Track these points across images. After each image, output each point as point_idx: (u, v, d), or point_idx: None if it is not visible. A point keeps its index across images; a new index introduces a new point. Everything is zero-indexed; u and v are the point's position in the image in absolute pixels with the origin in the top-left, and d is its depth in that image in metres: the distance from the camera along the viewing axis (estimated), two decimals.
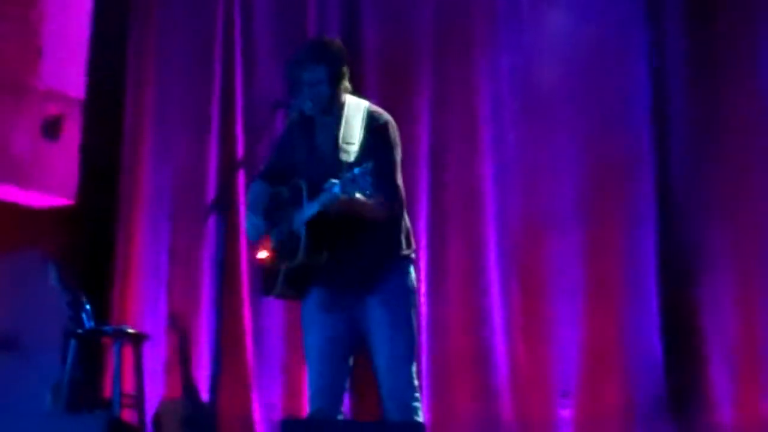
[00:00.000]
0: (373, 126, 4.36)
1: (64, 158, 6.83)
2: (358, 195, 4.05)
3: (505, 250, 6.21)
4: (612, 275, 6.00)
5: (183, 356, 6.32)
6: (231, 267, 6.53)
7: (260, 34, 6.94)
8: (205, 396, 6.18)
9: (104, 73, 7.05)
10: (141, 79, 7.16)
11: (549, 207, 6.16)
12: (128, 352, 6.24)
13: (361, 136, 4.32)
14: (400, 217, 4.39)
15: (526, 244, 6.18)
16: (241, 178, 6.54)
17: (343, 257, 4.28)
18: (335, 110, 4.38)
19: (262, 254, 4.41)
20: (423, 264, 6.15)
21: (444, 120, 6.45)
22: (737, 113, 5.91)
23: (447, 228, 6.34)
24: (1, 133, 6.62)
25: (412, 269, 4.40)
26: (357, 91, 4.55)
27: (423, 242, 6.18)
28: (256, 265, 4.86)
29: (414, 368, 4.30)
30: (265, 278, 4.48)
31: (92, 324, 6.14)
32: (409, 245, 4.40)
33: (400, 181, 4.37)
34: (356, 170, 4.04)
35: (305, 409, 4.78)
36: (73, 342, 6.08)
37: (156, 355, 6.60)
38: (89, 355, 6.31)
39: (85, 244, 6.96)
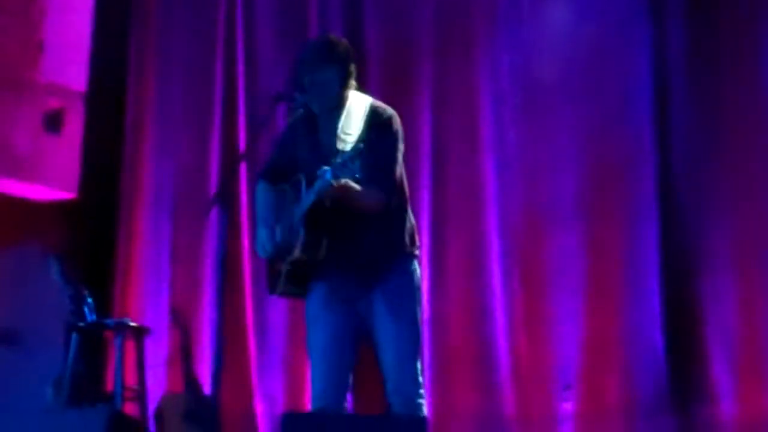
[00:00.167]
0: (377, 121, 4.37)
1: (66, 152, 6.83)
2: (348, 180, 4.07)
3: (506, 247, 6.23)
4: (614, 271, 6.02)
5: (185, 350, 6.34)
6: (233, 261, 6.53)
7: (262, 29, 6.95)
8: (207, 390, 6.20)
9: (106, 67, 7.05)
10: (143, 74, 7.16)
11: (550, 204, 6.18)
12: (130, 345, 6.26)
13: (361, 128, 4.33)
14: (404, 212, 4.40)
15: (528, 242, 6.19)
16: (243, 173, 6.56)
17: (342, 251, 4.28)
18: (340, 107, 4.39)
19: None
20: (425, 260, 6.16)
21: (445, 118, 6.46)
22: (739, 110, 5.92)
23: (448, 225, 6.35)
24: (3, 127, 6.61)
25: (417, 266, 4.41)
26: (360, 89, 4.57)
27: (425, 239, 6.19)
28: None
29: (419, 365, 4.32)
30: (269, 276, 4.50)
31: (94, 318, 6.15)
32: (413, 242, 4.41)
33: (401, 175, 4.38)
34: (346, 154, 4.06)
35: (307, 403, 4.80)
36: (74, 336, 6.08)
37: (158, 349, 6.61)
38: (91, 349, 6.32)
39: (87, 237, 6.96)
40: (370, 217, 4.28)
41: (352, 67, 4.41)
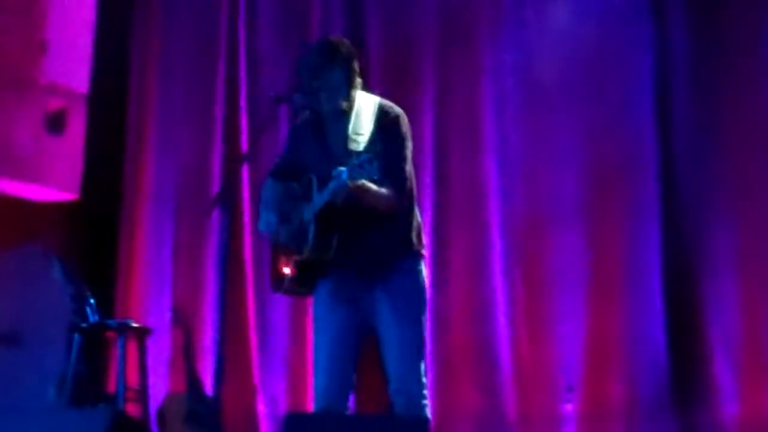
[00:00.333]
0: (385, 120, 4.37)
1: (68, 152, 6.83)
2: (365, 181, 4.08)
3: (508, 246, 6.24)
4: (616, 271, 6.02)
5: (187, 350, 6.33)
6: (235, 261, 6.53)
7: (264, 29, 6.95)
8: (209, 390, 6.19)
9: (108, 68, 7.05)
10: (145, 74, 7.17)
11: (552, 204, 6.18)
12: (132, 346, 6.26)
13: (372, 128, 4.33)
14: (411, 211, 4.40)
15: (530, 240, 6.20)
16: (245, 172, 6.56)
17: (350, 251, 4.28)
18: (347, 107, 4.39)
19: (286, 270, 4.39)
20: (427, 259, 6.15)
21: (447, 117, 6.46)
22: (741, 110, 5.92)
23: (451, 224, 6.36)
24: (5, 128, 6.61)
25: (422, 266, 4.41)
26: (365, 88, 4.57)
27: (427, 237, 6.18)
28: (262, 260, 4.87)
29: (423, 366, 4.32)
30: (272, 274, 4.49)
31: (96, 318, 6.15)
32: (420, 242, 4.41)
33: (410, 174, 4.38)
34: (363, 156, 4.06)
35: (309, 404, 4.80)
36: (77, 336, 6.09)
37: (160, 349, 6.61)
38: (93, 349, 6.33)
39: (88, 238, 6.97)
40: (379, 217, 4.28)
41: (357, 66, 4.41)
